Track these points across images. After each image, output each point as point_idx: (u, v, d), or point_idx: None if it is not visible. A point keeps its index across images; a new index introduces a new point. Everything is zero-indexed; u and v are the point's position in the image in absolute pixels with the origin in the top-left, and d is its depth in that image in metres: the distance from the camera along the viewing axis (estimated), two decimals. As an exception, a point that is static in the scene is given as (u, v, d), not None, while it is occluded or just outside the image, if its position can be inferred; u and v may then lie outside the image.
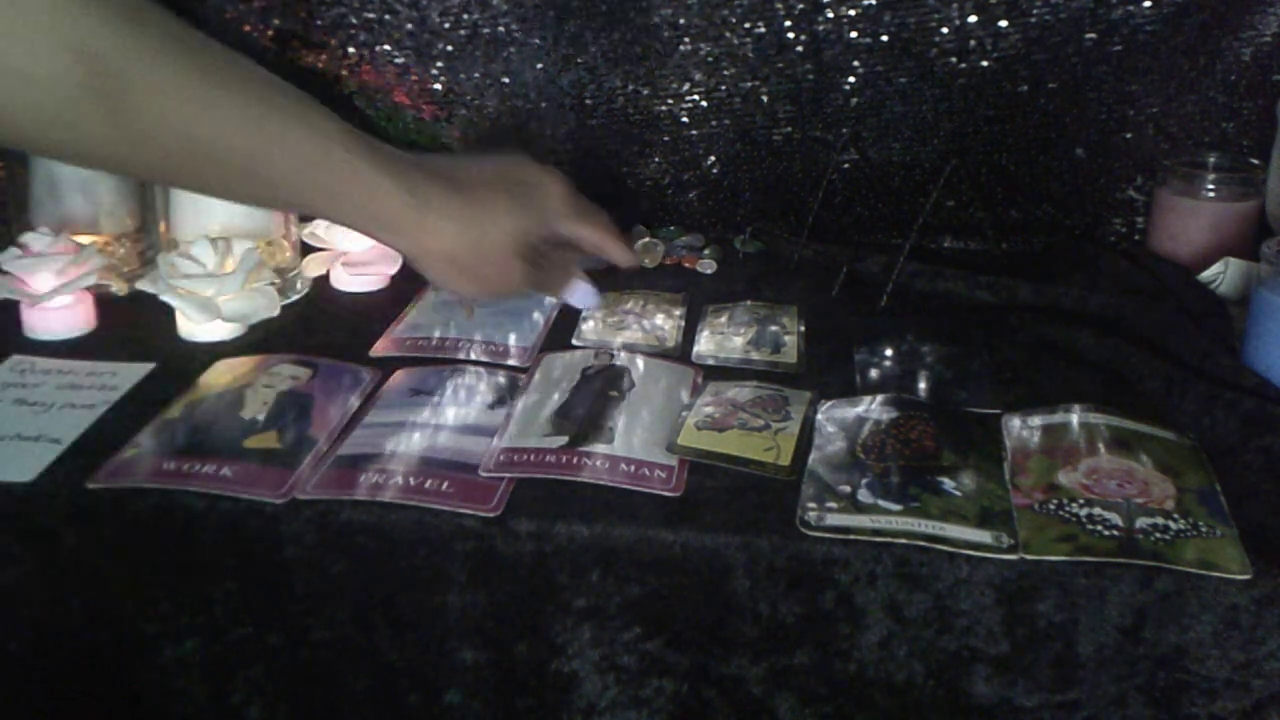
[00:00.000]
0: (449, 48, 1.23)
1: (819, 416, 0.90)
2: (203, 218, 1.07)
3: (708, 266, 1.22)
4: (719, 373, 0.98)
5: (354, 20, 1.22)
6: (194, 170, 0.64)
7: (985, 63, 1.19)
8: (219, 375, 0.96)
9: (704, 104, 1.24)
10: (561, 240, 0.82)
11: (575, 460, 0.83)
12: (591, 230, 0.82)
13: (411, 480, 0.81)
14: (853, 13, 1.18)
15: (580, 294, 0.89)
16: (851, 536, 0.76)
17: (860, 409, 0.90)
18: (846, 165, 1.25)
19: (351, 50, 1.23)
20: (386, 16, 1.21)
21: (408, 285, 1.14)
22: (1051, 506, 0.79)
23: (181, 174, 0.65)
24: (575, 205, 0.81)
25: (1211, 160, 1.15)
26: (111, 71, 0.58)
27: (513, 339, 1.03)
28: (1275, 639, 0.73)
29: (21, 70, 0.57)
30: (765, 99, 1.23)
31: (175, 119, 0.61)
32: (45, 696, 0.85)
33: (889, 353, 1.00)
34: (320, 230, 1.15)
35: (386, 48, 1.23)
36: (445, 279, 0.77)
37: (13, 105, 0.57)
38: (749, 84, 1.22)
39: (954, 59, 1.19)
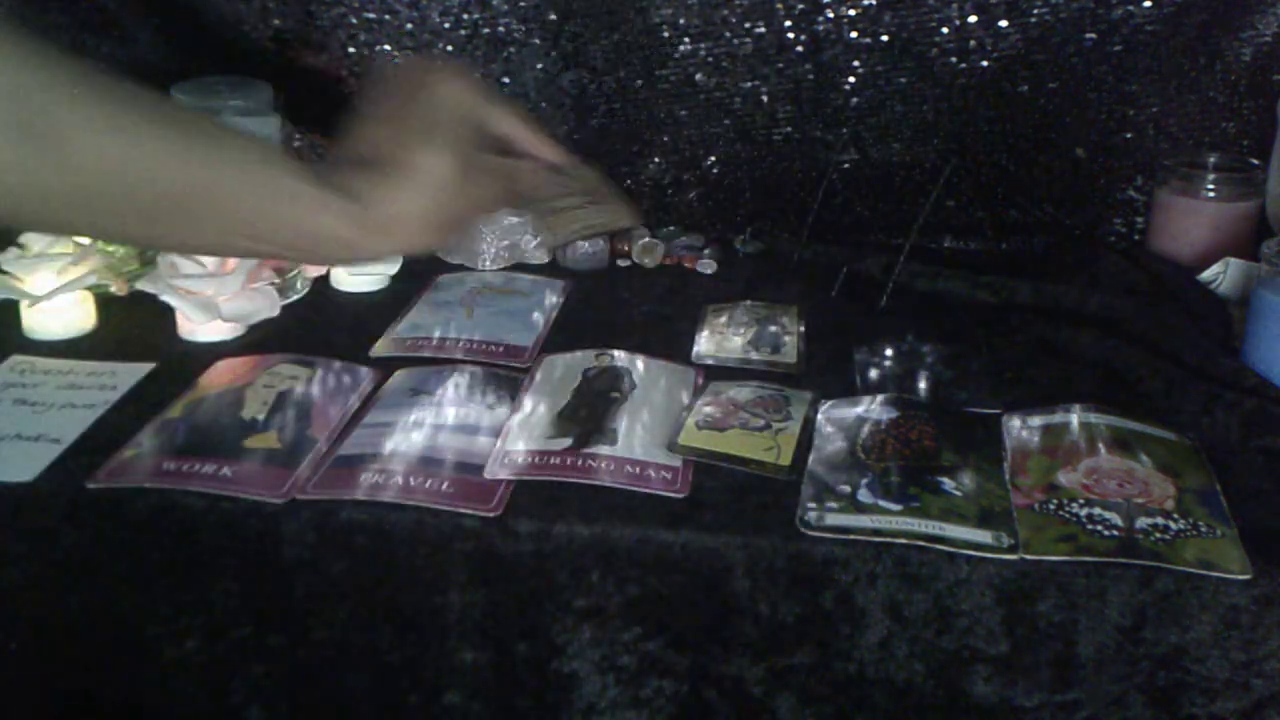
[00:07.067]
0: (449, 48, 1.23)
1: (819, 416, 0.90)
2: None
3: (708, 266, 1.22)
4: (719, 373, 0.98)
5: (354, 20, 1.22)
6: (126, 210, 0.60)
7: (985, 63, 1.19)
8: (219, 375, 0.96)
9: (704, 104, 1.23)
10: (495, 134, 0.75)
11: (582, 462, 0.83)
12: (512, 121, 0.75)
13: (411, 480, 0.81)
14: (853, 13, 1.17)
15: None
16: (851, 536, 0.76)
17: (860, 409, 0.90)
18: (846, 165, 1.25)
19: (351, 50, 1.23)
20: (386, 16, 1.21)
21: (408, 285, 1.14)
22: (1051, 506, 0.79)
23: (112, 217, 0.61)
24: (485, 95, 0.73)
25: (1211, 160, 1.15)
26: (38, 108, 0.55)
27: (513, 339, 1.03)
28: (1275, 639, 0.73)
29: None
30: (765, 99, 1.23)
31: (108, 155, 0.58)
32: (45, 696, 0.85)
33: (889, 353, 1.00)
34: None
35: (386, 48, 1.23)
36: (435, 242, 0.71)
37: None
38: (749, 84, 1.22)
39: (954, 59, 1.19)
